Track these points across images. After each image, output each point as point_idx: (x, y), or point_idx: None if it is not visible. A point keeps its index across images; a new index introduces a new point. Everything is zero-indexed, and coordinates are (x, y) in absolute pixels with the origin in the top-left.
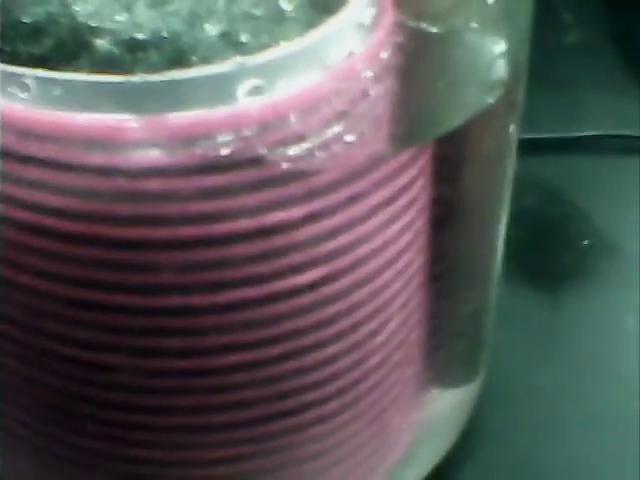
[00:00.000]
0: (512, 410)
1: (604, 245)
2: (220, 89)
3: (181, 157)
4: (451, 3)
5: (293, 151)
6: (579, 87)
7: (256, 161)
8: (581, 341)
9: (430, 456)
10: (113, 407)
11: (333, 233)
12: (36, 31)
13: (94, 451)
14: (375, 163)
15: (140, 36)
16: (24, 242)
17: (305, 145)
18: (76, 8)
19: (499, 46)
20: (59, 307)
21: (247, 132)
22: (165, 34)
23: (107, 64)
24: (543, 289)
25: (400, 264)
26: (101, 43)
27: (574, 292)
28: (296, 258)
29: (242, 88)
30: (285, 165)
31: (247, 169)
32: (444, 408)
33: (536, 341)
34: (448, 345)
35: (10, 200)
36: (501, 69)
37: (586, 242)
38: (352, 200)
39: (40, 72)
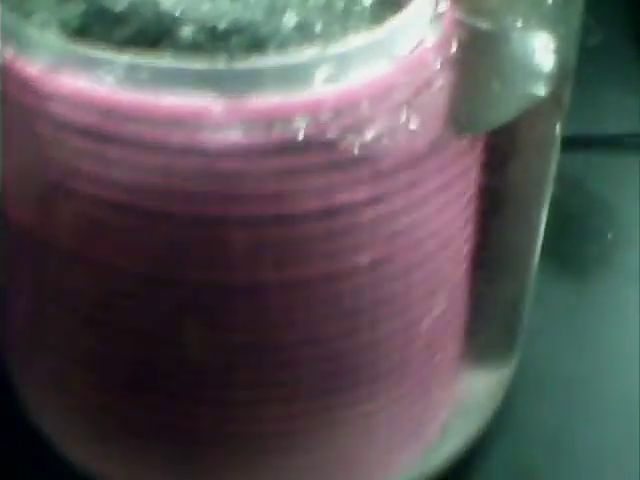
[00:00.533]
0: (543, 392)
1: (627, 238)
2: (299, 76)
3: (259, 138)
4: (505, 1)
5: (362, 136)
6: (602, 87)
7: (328, 144)
8: (608, 327)
9: (464, 433)
10: (174, 380)
11: (393, 215)
12: (121, 19)
13: (155, 424)
14: (434, 150)
15: (222, 25)
16: (103, 219)
17: (373, 131)
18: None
19: (549, 42)
20: (134, 282)
21: (321, 117)
22: (245, 23)
23: (189, 49)
24: (571, 278)
25: (451, 248)
26: (184, 31)
27: (600, 281)
28: (359, 238)
29: (319, 75)
30: (354, 149)
31: (319, 152)
32: (479, 388)
33: (565, 327)
34: (487, 328)
35: (90, 178)
36: (551, 64)
37: (610, 235)
38: (412, 185)
39: (128, 57)
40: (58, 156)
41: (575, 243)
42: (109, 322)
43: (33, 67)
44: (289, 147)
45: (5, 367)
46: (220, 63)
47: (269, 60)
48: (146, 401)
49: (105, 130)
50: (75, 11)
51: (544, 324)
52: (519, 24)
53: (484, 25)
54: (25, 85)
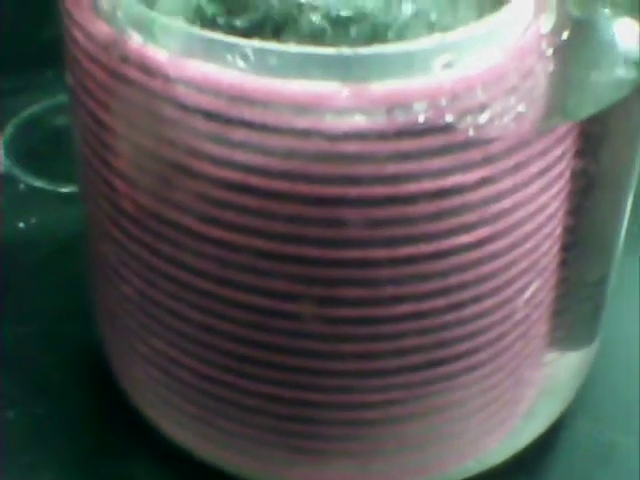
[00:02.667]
0: (623, 371)
1: None
2: (418, 63)
3: (380, 123)
4: None
5: (476, 120)
6: None
7: (445, 128)
8: None
9: (550, 411)
10: (288, 352)
11: (499, 197)
12: (246, 6)
13: (262, 395)
14: (538, 135)
15: (345, 13)
16: (224, 198)
17: (486, 115)
18: None
19: (635, 28)
20: (251, 259)
21: (439, 102)
22: (366, 12)
23: (311, 37)
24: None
25: (547, 229)
26: (310, 18)
27: None
28: (467, 218)
29: (438, 62)
30: (469, 132)
31: (436, 135)
32: (565, 368)
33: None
34: (573, 309)
35: (214, 159)
36: (637, 50)
37: None
38: (517, 167)
39: (259, 43)
40: (181, 137)
41: None
42: (226, 297)
43: (160, 53)
44: (408, 131)
45: (101, 349)
46: (345, 50)
47: (391, 47)
48: (257, 374)
49: (230, 114)
50: (199, 0)
51: (622, 306)
52: (607, 11)
53: (576, 12)
54: (152, 70)
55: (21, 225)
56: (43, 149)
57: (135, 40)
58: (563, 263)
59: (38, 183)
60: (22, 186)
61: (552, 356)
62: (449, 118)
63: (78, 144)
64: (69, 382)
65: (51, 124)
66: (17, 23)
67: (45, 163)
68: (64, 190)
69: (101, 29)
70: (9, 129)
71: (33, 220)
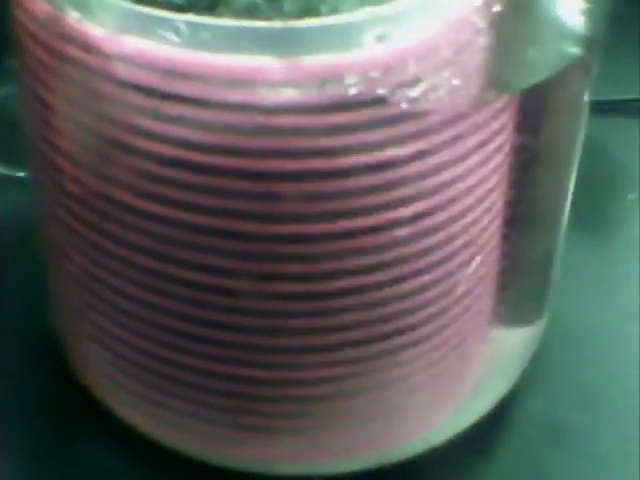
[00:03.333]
0: (572, 348)
1: None
2: (351, 36)
3: (313, 96)
4: None
5: (410, 93)
6: (621, 54)
7: (378, 101)
8: (630, 284)
9: (497, 388)
10: (229, 329)
11: (436, 170)
12: None
13: (205, 371)
14: (474, 108)
15: None
16: (162, 174)
17: (420, 88)
18: None
19: (579, 3)
20: (190, 235)
21: (372, 75)
22: None
23: (245, 12)
24: (594, 237)
25: (487, 203)
26: None
27: (623, 240)
28: (404, 191)
29: (370, 35)
30: (403, 105)
31: (369, 108)
32: (511, 344)
33: (590, 284)
34: (518, 284)
35: (151, 135)
36: (581, 25)
37: (631, 197)
38: (454, 140)
39: (192, 17)
40: (119, 114)
41: (597, 204)
42: (165, 274)
43: (97, 30)
44: (341, 104)
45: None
46: (278, 23)
47: (324, 21)
48: (198, 350)
49: (166, 88)
50: None
51: (570, 282)
52: None
53: None
54: (89, 47)
55: None
56: (2, 135)
57: (73, 17)
58: (506, 238)
59: None
60: None
61: (498, 332)
62: (382, 91)
63: (26, 126)
64: (22, 366)
65: (10, 110)
66: None
67: (3, 148)
68: (22, 174)
69: (41, 8)
70: None
71: None
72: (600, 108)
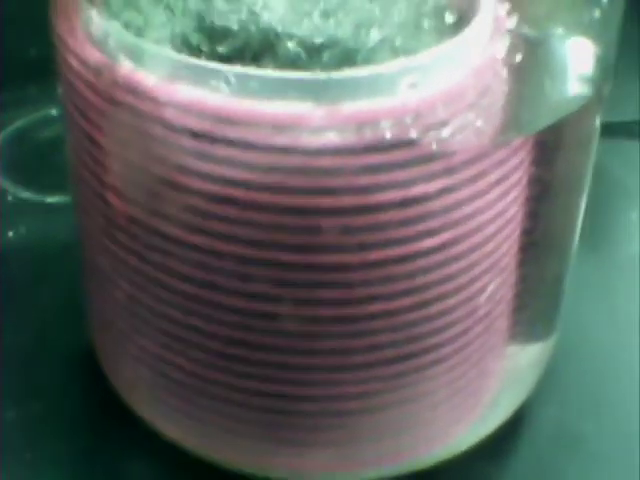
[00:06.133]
0: (583, 360)
1: None
2: (386, 84)
3: (350, 139)
4: (548, 11)
5: (438, 135)
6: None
7: (409, 143)
8: (633, 300)
9: (513, 400)
10: (268, 350)
11: (460, 204)
12: (228, 34)
13: (246, 390)
14: (495, 146)
15: (318, 40)
16: (209, 209)
17: (447, 130)
18: (263, 16)
19: (589, 47)
20: (233, 264)
21: (404, 119)
22: (338, 38)
23: (288, 62)
24: (600, 256)
25: (506, 232)
26: (287, 45)
27: (627, 258)
28: (431, 224)
29: (403, 83)
30: (432, 146)
31: (401, 149)
32: (526, 359)
33: (597, 301)
34: (532, 304)
35: (200, 174)
36: (590, 68)
37: (633, 216)
38: (476, 177)
39: (241, 69)
40: (169, 155)
41: (600, 223)
42: (210, 300)
43: (149, 78)
44: (376, 146)
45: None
46: (319, 74)
47: (361, 71)
48: (241, 370)
49: (215, 133)
50: (183, 29)
51: (576, 298)
52: (560, 31)
53: (531, 33)
54: (141, 94)
55: (10, 234)
56: (29, 161)
57: (126, 66)
58: (522, 262)
59: (25, 194)
60: (10, 197)
61: (513, 349)
62: (413, 134)
63: (72, 162)
64: (64, 384)
65: (36, 137)
66: (2, 41)
67: (31, 175)
68: (50, 200)
69: (94, 55)
70: None
71: (22, 229)
72: (602, 130)
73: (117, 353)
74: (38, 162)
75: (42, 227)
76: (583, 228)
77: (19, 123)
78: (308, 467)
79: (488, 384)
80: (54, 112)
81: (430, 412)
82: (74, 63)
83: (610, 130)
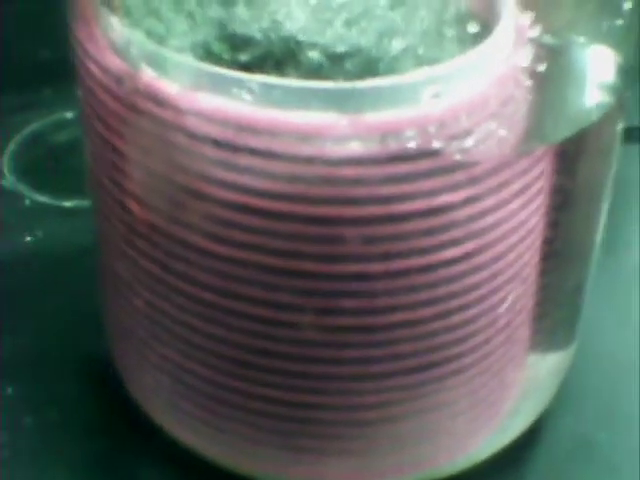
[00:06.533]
0: (603, 371)
1: None
2: (410, 94)
3: (374, 149)
4: (572, 20)
5: (461, 145)
6: None
7: (433, 153)
8: None
9: (532, 410)
10: (290, 359)
11: (483, 213)
12: (250, 43)
13: (266, 398)
14: (517, 156)
15: (340, 49)
16: (231, 219)
17: (470, 140)
18: (286, 25)
19: (609, 55)
20: (255, 273)
21: (428, 129)
22: (360, 47)
23: (310, 71)
24: (615, 260)
25: (528, 242)
26: (309, 54)
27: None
28: (455, 234)
29: (426, 93)
30: (455, 156)
31: (425, 159)
32: (546, 369)
33: (615, 309)
34: (552, 314)
35: (222, 183)
36: (611, 77)
37: None
38: (499, 186)
39: (264, 78)
40: (191, 163)
41: (618, 227)
42: (232, 309)
43: (171, 86)
44: (400, 156)
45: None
46: (342, 84)
47: (384, 81)
48: (261, 379)
49: (237, 142)
50: (206, 37)
51: (596, 306)
52: (582, 39)
53: (553, 42)
54: (164, 102)
55: (28, 239)
56: (45, 165)
57: (147, 74)
58: (543, 272)
59: (42, 198)
60: (27, 201)
61: (533, 358)
62: (437, 144)
63: (90, 167)
64: (80, 390)
65: (51, 140)
66: (15, 43)
67: (47, 178)
68: (67, 204)
69: (115, 63)
70: (12, 146)
71: (39, 233)
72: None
73: (136, 361)
74: (54, 165)
75: (59, 230)
76: (605, 236)
77: (34, 126)
78: (328, 476)
79: (508, 394)
80: (69, 115)
81: (450, 422)
82: (94, 70)
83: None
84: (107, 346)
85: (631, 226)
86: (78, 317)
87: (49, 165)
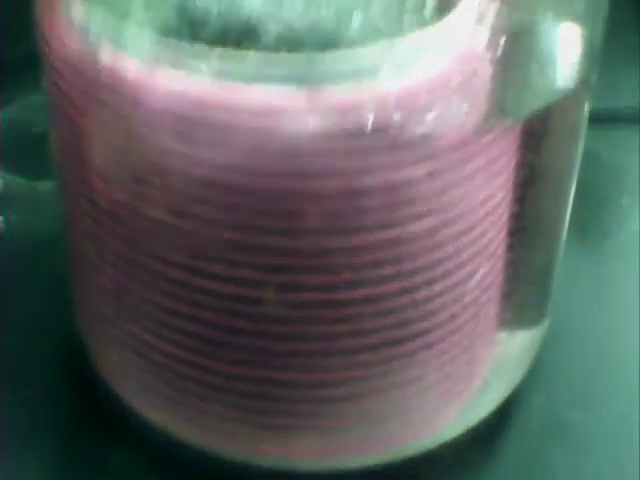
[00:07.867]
0: (571, 348)
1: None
2: (369, 68)
3: (333, 124)
4: None
5: (422, 120)
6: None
7: (392, 129)
8: (627, 286)
9: (502, 387)
10: (254, 335)
11: (446, 188)
12: (209, 19)
13: (231, 376)
14: (481, 132)
15: (300, 24)
16: (192, 193)
17: (431, 115)
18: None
19: (577, 32)
20: (218, 249)
21: (388, 104)
22: (320, 22)
23: (270, 47)
24: (591, 242)
25: (493, 217)
26: (268, 28)
27: (616, 244)
28: (418, 208)
29: (386, 67)
30: (415, 131)
31: (385, 135)
32: (515, 346)
33: (587, 289)
34: (521, 291)
35: (183, 157)
36: (577, 54)
37: (624, 201)
38: (462, 162)
39: (223, 51)
40: (152, 138)
41: (592, 210)
42: (195, 285)
43: (132, 62)
44: (359, 131)
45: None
46: (300, 57)
47: (343, 55)
48: (225, 355)
49: (197, 116)
50: (165, 13)
51: (567, 286)
52: (547, 17)
53: (517, 18)
54: (124, 78)
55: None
56: (20, 148)
57: (107, 50)
58: (511, 248)
59: (16, 180)
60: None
61: (503, 335)
62: (397, 118)
63: (55, 146)
64: (52, 378)
65: (27, 124)
66: None
67: (22, 161)
68: (41, 186)
69: (75, 39)
70: None
71: (13, 217)
72: (592, 116)
73: (104, 340)
74: (29, 148)
75: (33, 213)
76: (573, 215)
77: (9, 109)
78: (295, 453)
79: (477, 370)
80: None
81: (418, 398)
82: (55, 46)
83: (600, 116)
84: (78, 330)
85: (608, 207)
86: (52, 301)
87: (16, 146)
